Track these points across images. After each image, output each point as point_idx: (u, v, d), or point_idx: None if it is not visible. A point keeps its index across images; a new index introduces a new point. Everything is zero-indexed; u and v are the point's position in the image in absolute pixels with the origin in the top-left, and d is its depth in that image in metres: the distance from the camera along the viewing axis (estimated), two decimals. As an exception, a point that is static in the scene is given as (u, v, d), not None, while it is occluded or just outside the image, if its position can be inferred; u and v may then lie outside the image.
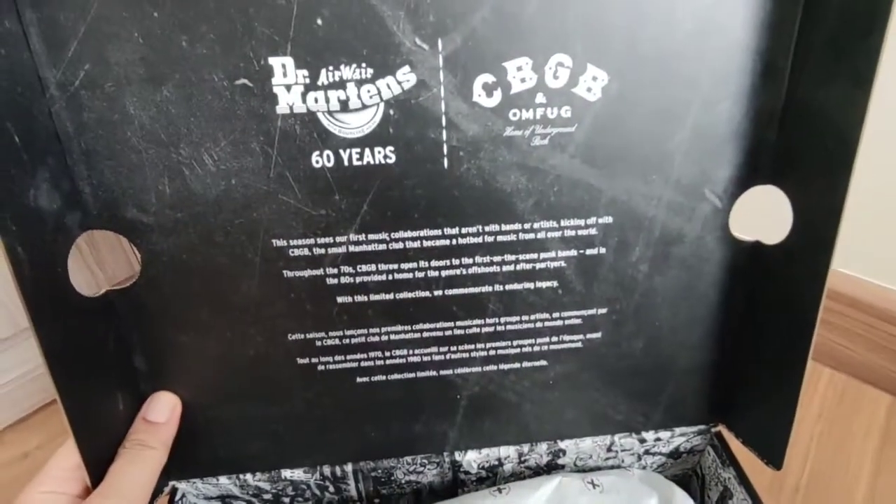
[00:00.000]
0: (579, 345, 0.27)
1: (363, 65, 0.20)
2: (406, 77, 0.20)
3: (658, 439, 0.30)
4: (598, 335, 0.27)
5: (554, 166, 0.22)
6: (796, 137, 0.22)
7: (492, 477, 0.31)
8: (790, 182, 0.23)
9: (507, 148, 0.22)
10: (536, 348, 0.27)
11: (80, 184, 0.21)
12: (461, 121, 0.21)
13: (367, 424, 0.28)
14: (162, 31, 0.19)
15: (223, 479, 0.29)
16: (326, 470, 0.29)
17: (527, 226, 0.23)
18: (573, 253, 0.24)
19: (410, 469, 0.30)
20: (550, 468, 0.31)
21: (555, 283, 0.25)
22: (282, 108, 0.20)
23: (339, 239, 0.23)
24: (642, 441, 0.30)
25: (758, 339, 0.27)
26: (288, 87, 0.20)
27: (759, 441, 0.28)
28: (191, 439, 0.27)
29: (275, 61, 0.19)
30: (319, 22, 0.19)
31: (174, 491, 0.28)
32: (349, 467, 0.29)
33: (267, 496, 0.30)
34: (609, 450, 0.30)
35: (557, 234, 0.24)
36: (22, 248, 0.18)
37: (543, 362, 0.27)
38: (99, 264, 0.43)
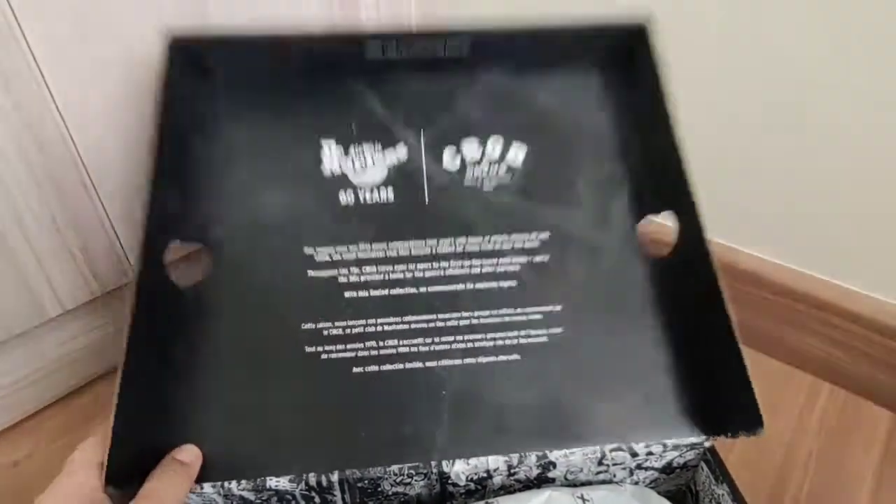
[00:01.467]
0: (545, 339, 0.32)
1: (377, 144, 0.33)
2: (401, 151, 0.33)
3: (650, 453, 0.30)
4: (559, 330, 0.32)
5: (500, 202, 0.33)
6: (655, 181, 0.33)
7: (480, 490, 0.30)
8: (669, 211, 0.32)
9: (468, 192, 0.33)
10: (508, 342, 0.31)
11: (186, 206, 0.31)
12: (435, 176, 0.33)
13: (358, 423, 0.30)
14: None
15: (207, 488, 0.28)
16: (312, 479, 0.29)
17: (486, 238, 0.33)
18: (524, 259, 0.33)
19: (398, 480, 0.29)
20: (541, 481, 0.30)
21: (514, 283, 0.32)
22: (326, 172, 0.32)
23: (351, 247, 0.32)
24: (634, 455, 0.30)
25: (691, 337, 0.31)
26: (329, 160, 0.32)
27: (734, 424, 0.29)
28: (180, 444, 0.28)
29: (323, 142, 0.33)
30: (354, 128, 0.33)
31: (157, 500, 0.28)
32: (335, 476, 0.29)
33: (252, 507, 0.29)
34: (600, 463, 0.30)
35: (509, 245, 0.33)
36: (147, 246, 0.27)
37: (516, 356, 0.31)
38: (93, 272, 0.43)
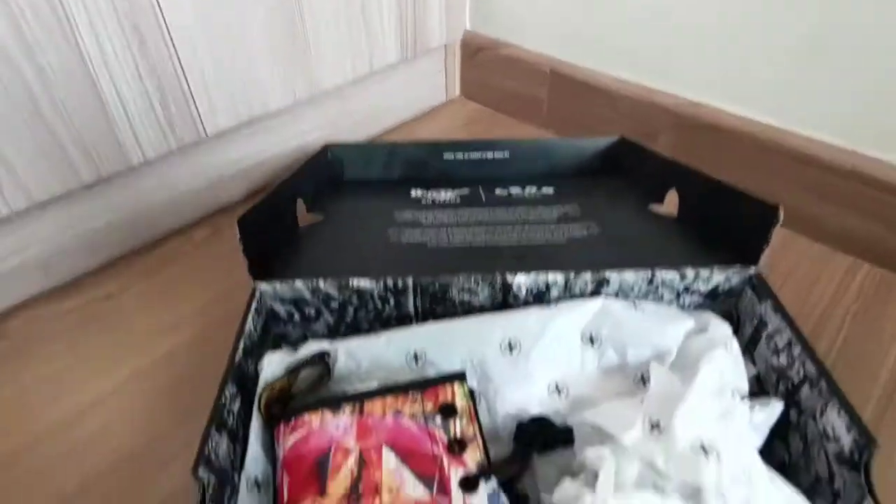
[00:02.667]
0: (585, 233, 0.38)
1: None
2: (465, 190, 0.46)
3: (698, 276, 0.32)
4: (598, 230, 0.38)
5: (540, 195, 0.45)
6: None
7: (538, 304, 0.33)
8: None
9: (514, 196, 0.44)
10: (556, 236, 0.38)
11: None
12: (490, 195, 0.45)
13: (430, 266, 0.34)
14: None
15: (298, 283, 0.32)
16: (389, 281, 0.32)
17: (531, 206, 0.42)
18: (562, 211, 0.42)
19: (465, 287, 0.32)
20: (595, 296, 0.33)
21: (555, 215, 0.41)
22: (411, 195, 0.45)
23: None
24: (683, 276, 0.32)
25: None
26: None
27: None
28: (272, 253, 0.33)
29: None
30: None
31: (254, 291, 0.32)
32: (410, 280, 0.32)
33: (333, 304, 0.33)
34: (650, 282, 0.33)
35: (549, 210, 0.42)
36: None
37: (563, 242, 0.37)
38: (170, 126, 0.46)
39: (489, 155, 0.48)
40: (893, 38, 0.41)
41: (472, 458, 0.24)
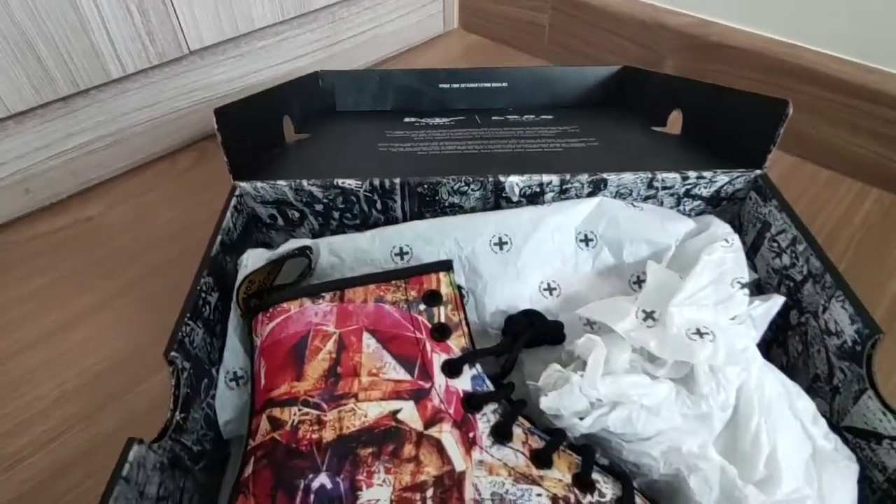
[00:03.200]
0: (583, 145, 0.36)
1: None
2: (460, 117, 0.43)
3: (701, 177, 0.31)
4: (595, 143, 0.36)
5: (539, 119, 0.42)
6: None
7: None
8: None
9: (513, 120, 0.42)
10: (552, 146, 0.36)
11: None
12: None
13: (419, 171, 0.32)
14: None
15: (281, 182, 0.30)
16: (376, 181, 0.30)
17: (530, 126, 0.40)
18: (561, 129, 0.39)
19: (455, 188, 0.31)
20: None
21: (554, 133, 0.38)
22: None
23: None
24: (685, 178, 0.31)
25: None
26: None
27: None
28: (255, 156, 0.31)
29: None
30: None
31: (233, 189, 0.30)
32: (397, 180, 0.30)
33: (318, 206, 0.32)
34: (650, 186, 0.31)
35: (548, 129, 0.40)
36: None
37: (559, 149, 0.35)
38: (150, 37, 0.44)
39: (487, 85, 0.46)
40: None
41: (456, 343, 0.23)
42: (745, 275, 0.25)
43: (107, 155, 0.47)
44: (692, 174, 0.31)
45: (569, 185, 0.31)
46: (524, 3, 0.61)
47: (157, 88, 0.47)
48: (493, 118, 0.43)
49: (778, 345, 0.28)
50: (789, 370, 0.27)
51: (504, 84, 0.46)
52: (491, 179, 0.31)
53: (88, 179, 0.47)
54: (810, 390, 0.25)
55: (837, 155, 0.47)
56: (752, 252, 0.31)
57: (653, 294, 0.25)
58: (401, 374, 0.22)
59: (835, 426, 0.24)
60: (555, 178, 0.31)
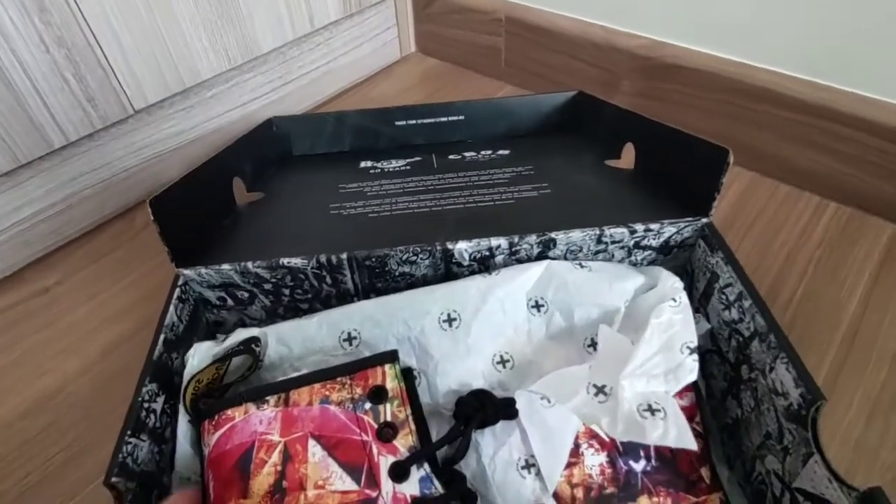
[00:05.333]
0: (535, 194, 0.35)
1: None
2: (417, 157, 0.43)
3: (648, 230, 0.31)
4: (549, 191, 0.36)
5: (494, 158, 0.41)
6: None
7: (483, 270, 0.32)
8: None
9: (469, 160, 0.42)
10: (505, 196, 0.36)
11: None
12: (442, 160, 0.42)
13: (370, 239, 0.31)
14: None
15: (226, 267, 0.30)
16: (322, 258, 0.30)
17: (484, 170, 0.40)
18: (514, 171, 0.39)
19: (403, 258, 0.31)
20: (541, 259, 0.32)
21: (507, 178, 0.38)
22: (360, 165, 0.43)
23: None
24: (632, 232, 0.31)
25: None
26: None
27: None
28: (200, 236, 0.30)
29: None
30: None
31: (177, 278, 0.30)
32: (344, 255, 0.30)
33: (267, 286, 0.31)
34: (599, 241, 0.31)
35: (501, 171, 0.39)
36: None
37: (511, 202, 0.35)
38: (91, 103, 0.43)
39: (443, 119, 0.46)
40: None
41: (403, 443, 0.23)
42: (694, 338, 0.25)
43: (59, 221, 0.46)
44: (640, 227, 0.30)
45: (518, 247, 0.31)
46: (479, 27, 0.60)
47: (104, 151, 0.46)
48: (450, 157, 0.42)
49: (732, 396, 0.29)
50: (744, 424, 0.27)
51: (461, 117, 0.46)
52: (439, 248, 0.30)
53: (44, 247, 0.46)
54: (763, 447, 0.26)
55: (795, 170, 0.47)
56: (704, 300, 0.31)
57: (604, 364, 0.25)
58: (347, 483, 0.21)
59: (787, 486, 0.24)
60: (503, 242, 0.30)
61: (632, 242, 0.31)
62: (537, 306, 0.29)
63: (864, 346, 0.36)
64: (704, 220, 0.31)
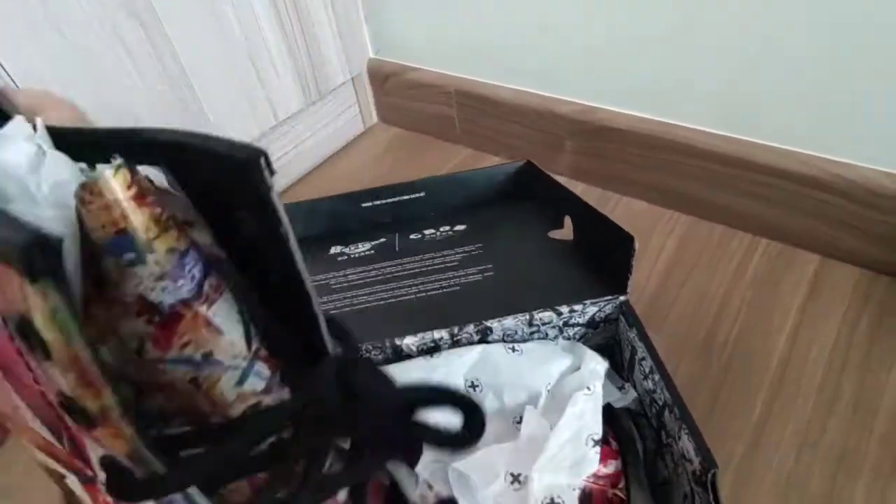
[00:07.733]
0: (480, 277, 0.39)
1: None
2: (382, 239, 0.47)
3: (573, 310, 0.34)
4: (491, 273, 0.40)
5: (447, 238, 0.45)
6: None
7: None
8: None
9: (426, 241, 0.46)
10: (452, 282, 0.40)
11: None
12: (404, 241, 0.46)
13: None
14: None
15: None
16: (287, 366, 0.34)
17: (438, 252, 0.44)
18: (464, 252, 0.43)
19: (359, 358, 0.34)
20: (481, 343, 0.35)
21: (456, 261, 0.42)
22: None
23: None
24: (559, 314, 0.34)
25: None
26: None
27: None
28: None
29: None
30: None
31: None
32: (306, 362, 0.34)
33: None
34: (531, 324, 0.35)
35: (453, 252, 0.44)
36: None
37: (457, 289, 0.39)
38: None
39: (406, 197, 0.50)
40: (745, 28, 0.42)
41: None
42: (599, 430, 0.28)
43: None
44: (565, 309, 0.34)
45: (459, 337, 0.35)
46: (433, 99, 0.65)
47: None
48: (411, 237, 0.46)
49: (661, 458, 0.32)
50: (670, 486, 0.31)
51: (422, 193, 0.50)
52: (389, 344, 0.34)
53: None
54: (683, 507, 0.29)
55: (728, 211, 0.51)
56: (629, 370, 0.35)
57: (522, 450, 0.28)
58: None
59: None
60: (445, 334, 0.34)
61: (561, 322, 0.35)
62: (473, 387, 0.33)
63: (792, 380, 0.40)
64: (622, 297, 0.34)
